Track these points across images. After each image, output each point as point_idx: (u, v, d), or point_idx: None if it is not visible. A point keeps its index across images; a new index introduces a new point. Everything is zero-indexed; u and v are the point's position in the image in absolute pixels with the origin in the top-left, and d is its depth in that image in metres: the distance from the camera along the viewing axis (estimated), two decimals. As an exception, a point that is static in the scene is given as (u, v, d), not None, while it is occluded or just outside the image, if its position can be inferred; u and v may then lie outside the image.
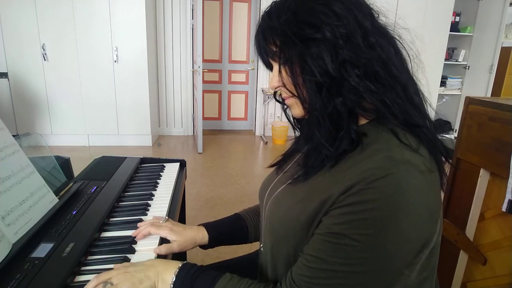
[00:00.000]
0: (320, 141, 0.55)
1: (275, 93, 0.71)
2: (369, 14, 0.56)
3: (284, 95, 0.62)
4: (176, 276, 0.61)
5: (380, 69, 0.53)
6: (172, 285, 0.61)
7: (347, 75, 0.52)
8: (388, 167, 0.48)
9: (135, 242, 0.76)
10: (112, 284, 0.60)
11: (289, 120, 0.72)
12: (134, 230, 0.80)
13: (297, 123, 0.72)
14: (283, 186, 0.66)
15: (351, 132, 0.54)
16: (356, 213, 0.48)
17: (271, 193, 0.69)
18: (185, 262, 0.65)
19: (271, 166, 0.77)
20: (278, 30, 0.55)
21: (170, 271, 0.62)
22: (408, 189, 0.48)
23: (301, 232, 0.56)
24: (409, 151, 0.51)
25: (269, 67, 0.64)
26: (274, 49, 0.58)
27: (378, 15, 0.58)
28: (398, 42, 0.58)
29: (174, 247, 0.75)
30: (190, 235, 0.79)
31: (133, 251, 0.73)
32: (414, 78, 0.59)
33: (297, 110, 0.61)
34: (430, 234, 0.53)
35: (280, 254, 0.62)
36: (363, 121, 0.57)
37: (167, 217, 0.84)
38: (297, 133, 0.75)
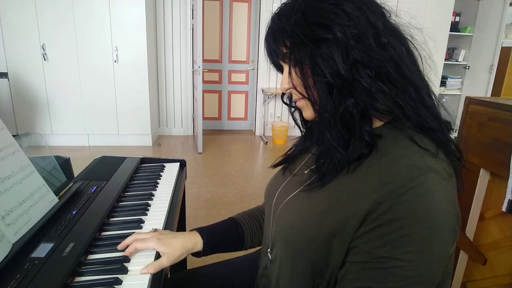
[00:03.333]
0: (331, 143, 0.54)
1: (282, 95, 0.70)
2: (381, 13, 0.55)
3: (294, 97, 0.61)
4: None
5: (392, 70, 0.52)
6: None
7: (358, 76, 0.51)
8: (414, 176, 0.47)
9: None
10: None
11: (296, 123, 0.71)
12: (133, 231, 0.79)
13: (304, 125, 0.71)
14: (296, 192, 0.63)
15: (363, 134, 0.52)
16: (394, 232, 0.47)
17: (282, 197, 0.66)
18: None
19: (274, 166, 0.75)
20: (288, 31, 0.54)
21: None
22: (438, 198, 0.47)
23: (321, 246, 0.54)
24: (430, 157, 0.50)
25: (280, 69, 0.63)
26: (284, 51, 0.57)
27: (390, 14, 0.57)
28: (410, 42, 0.57)
29: (164, 262, 0.68)
30: (180, 243, 0.72)
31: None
32: (426, 79, 0.58)
33: (308, 112, 0.59)
34: (456, 237, 0.53)
35: (296, 266, 0.60)
36: (378, 123, 0.56)
37: (154, 228, 0.78)
38: (303, 134, 0.73)
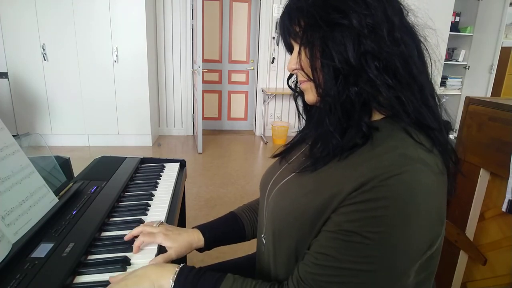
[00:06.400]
0: (329, 128, 0.55)
1: (288, 79, 0.71)
2: (399, 9, 0.56)
3: (300, 78, 0.61)
4: (175, 282, 0.59)
5: (400, 65, 0.52)
6: None
7: (366, 66, 0.51)
8: (402, 164, 0.48)
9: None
10: None
11: (297, 108, 0.72)
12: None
13: (304, 112, 0.72)
14: (289, 177, 0.64)
15: (361, 125, 0.53)
16: (368, 211, 0.48)
17: (276, 183, 0.68)
18: (182, 265, 0.62)
19: (275, 156, 0.76)
20: (304, 11, 0.55)
21: (166, 277, 0.59)
22: (421, 189, 0.48)
23: (306, 225, 0.55)
24: (424, 151, 0.51)
25: (289, 50, 0.63)
26: (297, 30, 0.57)
27: (408, 12, 0.57)
28: (422, 43, 0.57)
29: (172, 255, 0.72)
30: (186, 239, 0.75)
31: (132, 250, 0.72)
32: (432, 81, 0.59)
33: (311, 95, 0.60)
34: (436, 236, 0.53)
35: (281, 246, 0.61)
36: (377, 117, 0.57)
37: (161, 221, 0.79)
38: (301, 125, 0.74)
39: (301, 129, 0.75)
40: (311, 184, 0.57)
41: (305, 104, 0.69)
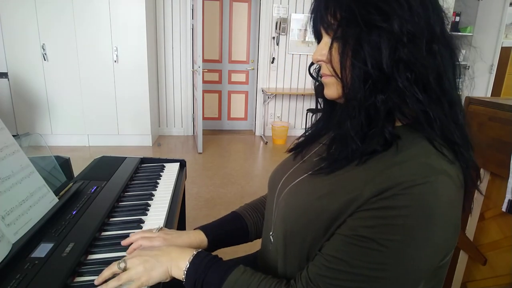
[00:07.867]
0: (349, 132, 0.52)
1: (309, 67, 0.67)
2: (441, 19, 0.52)
3: (324, 71, 0.57)
4: (190, 263, 0.61)
5: (433, 80, 0.50)
6: (185, 272, 0.61)
7: (397, 75, 0.49)
8: (426, 174, 0.47)
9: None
10: (125, 264, 0.61)
11: (316, 98, 0.68)
12: (133, 231, 0.79)
13: (325, 103, 0.68)
14: (303, 177, 0.63)
15: (385, 132, 0.51)
16: (386, 218, 0.47)
17: (287, 182, 0.66)
18: (200, 250, 0.65)
19: (290, 151, 0.74)
20: (344, 4, 0.50)
21: (184, 258, 0.62)
22: (443, 200, 0.47)
23: (320, 228, 0.54)
24: (446, 162, 0.49)
25: (317, 37, 0.59)
26: (332, 21, 0.53)
27: (449, 22, 0.54)
28: (457, 58, 0.54)
29: None
30: (186, 243, 0.74)
31: (133, 251, 0.72)
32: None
33: (334, 91, 0.57)
34: (451, 247, 0.52)
35: (293, 246, 0.60)
36: (398, 123, 0.55)
37: (161, 226, 0.78)
38: (314, 118, 0.72)
39: (315, 121, 0.72)
40: (326, 187, 0.56)
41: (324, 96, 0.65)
